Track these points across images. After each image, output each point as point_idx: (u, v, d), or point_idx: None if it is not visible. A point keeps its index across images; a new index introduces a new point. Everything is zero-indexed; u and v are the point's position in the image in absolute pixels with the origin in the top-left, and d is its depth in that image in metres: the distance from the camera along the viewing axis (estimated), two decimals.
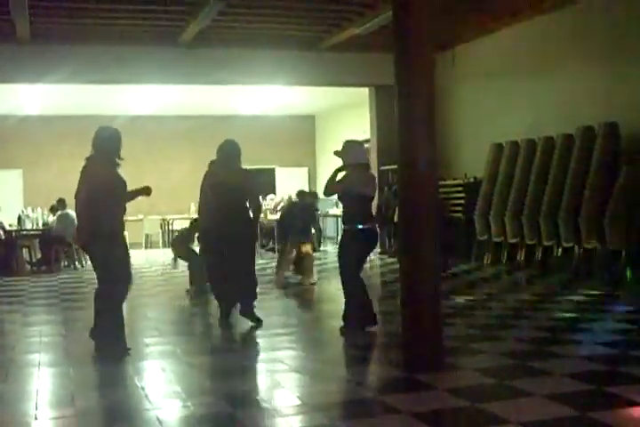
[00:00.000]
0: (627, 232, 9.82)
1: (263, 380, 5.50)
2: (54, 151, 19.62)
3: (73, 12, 11.52)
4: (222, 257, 7.40)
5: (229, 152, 7.57)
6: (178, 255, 11.26)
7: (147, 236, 18.74)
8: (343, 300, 7.03)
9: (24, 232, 13.96)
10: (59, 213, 13.99)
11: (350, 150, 7.07)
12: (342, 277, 7.04)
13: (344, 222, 7.04)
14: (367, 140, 16.61)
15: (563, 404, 4.44)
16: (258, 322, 7.40)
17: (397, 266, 5.75)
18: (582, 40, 11.24)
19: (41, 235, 13.93)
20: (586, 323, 7.12)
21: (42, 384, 5.36)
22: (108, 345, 6.16)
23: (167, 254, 15.81)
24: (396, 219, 12.50)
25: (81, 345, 6.97)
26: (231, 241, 7.29)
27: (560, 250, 10.94)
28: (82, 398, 4.94)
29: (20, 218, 14.32)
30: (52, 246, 13.62)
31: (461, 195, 13.50)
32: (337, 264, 7.17)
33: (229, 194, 7.35)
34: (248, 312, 7.47)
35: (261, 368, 5.81)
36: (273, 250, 16.06)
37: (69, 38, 12.84)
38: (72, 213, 14.11)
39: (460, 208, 13.47)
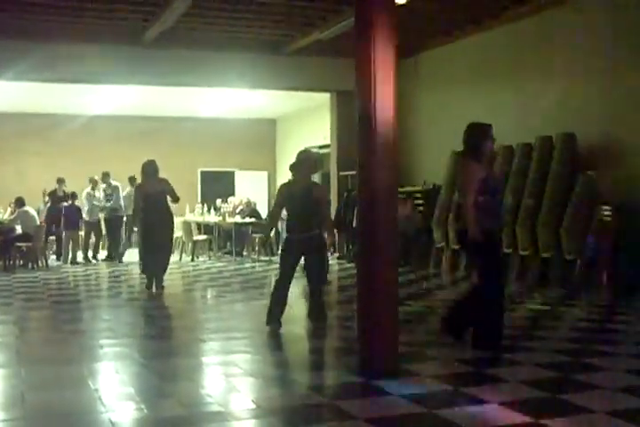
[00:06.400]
0: (582, 241, 9.95)
1: (218, 383, 5.47)
2: (13, 149, 19.35)
3: (33, 8, 11.39)
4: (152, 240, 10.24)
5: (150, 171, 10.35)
6: None
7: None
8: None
9: None
10: (18, 210, 13.79)
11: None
12: None
13: None
14: (327, 146, 16.67)
15: (516, 411, 4.47)
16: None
17: (355, 271, 5.75)
18: (543, 51, 11.40)
19: (3, 233, 13.67)
20: (541, 330, 7.20)
21: None
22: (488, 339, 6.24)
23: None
24: (354, 224, 12.56)
25: (34, 346, 6.88)
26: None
27: (518, 258, 11.04)
28: (32, 399, 4.86)
29: None
30: (14, 244, 13.46)
31: (420, 201, 13.58)
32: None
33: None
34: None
35: (216, 371, 5.77)
36: (230, 253, 15.87)
37: (28, 34, 12.61)
38: (31, 210, 13.95)
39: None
